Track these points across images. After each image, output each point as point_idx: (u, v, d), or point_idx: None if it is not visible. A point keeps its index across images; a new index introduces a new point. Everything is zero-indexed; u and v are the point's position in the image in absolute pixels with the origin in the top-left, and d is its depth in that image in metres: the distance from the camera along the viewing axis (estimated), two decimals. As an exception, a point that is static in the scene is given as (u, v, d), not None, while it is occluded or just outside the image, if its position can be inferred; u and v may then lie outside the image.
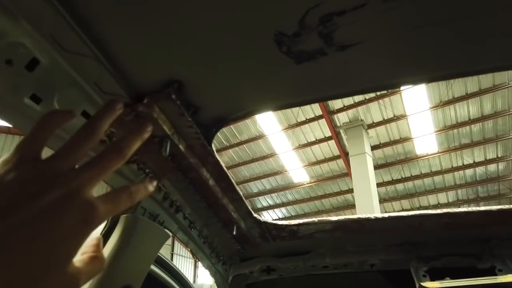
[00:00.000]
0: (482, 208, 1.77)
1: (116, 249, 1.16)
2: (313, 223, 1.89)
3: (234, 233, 1.76)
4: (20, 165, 0.50)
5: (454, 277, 1.90)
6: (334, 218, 1.88)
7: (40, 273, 0.44)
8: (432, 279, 1.92)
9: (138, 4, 0.77)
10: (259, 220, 1.82)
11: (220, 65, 0.96)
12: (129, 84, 0.95)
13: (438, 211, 1.80)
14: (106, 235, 1.24)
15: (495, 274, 1.84)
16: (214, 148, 1.28)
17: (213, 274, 2.02)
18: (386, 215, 1.84)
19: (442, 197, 18.94)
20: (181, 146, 1.18)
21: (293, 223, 1.91)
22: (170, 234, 1.50)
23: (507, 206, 1.74)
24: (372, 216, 1.84)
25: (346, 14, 0.80)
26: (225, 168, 1.41)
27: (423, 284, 1.88)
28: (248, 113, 1.14)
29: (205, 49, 0.90)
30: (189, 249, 1.73)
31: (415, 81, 1.04)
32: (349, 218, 1.87)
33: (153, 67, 0.94)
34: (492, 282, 1.80)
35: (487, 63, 0.96)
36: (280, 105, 1.13)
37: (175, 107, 1.04)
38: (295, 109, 15.50)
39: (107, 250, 1.17)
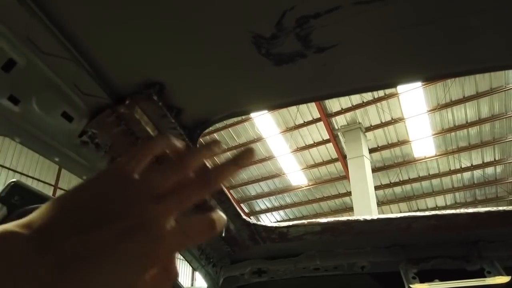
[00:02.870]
0: (470, 210, 1.77)
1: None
2: (303, 225, 1.90)
3: (223, 235, 1.77)
4: (113, 181, 0.47)
5: (443, 279, 1.91)
6: (323, 220, 1.88)
7: None
8: (422, 281, 1.92)
9: (116, 6, 0.78)
10: (248, 222, 1.82)
11: (200, 67, 0.97)
12: (109, 85, 0.96)
13: (426, 213, 1.81)
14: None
15: (484, 276, 1.85)
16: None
17: (203, 276, 2.02)
18: (375, 217, 1.84)
19: (440, 200, 18.94)
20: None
21: (282, 225, 1.91)
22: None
23: (494, 208, 1.75)
24: (361, 218, 1.85)
25: (321, 16, 0.81)
26: (211, 170, 1.41)
27: (412, 286, 1.88)
28: (232, 114, 1.15)
29: (184, 51, 0.91)
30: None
31: (394, 83, 1.05)
32: (338, 220, 1.87)
33: (133, 69, 0.95)
34: (480, 284, 1.80)
35: (462, 65, 0.97)
36: (263, 106, 1.14)
37: (157, 108, 1.05)
38: (293, 112, 15.52)
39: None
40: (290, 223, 1.91)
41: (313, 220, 1.90)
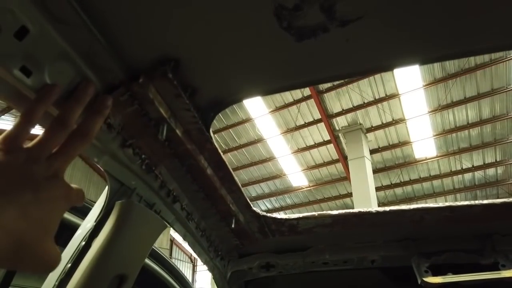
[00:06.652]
0: (485, 201, 1.74)
1: (110, 236, 1.12)
2: (313, 217, 1.86)
3: (233, 226, 1.72)
4: (8, 154, 0.60)
5: (456, 273, 1.87)
6: (334, 212, 1.84)
7: (36, 236, 0.57)
8: (434, 275, 1.88)
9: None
10: (258, 213, 1.78)
11: (218, 42, 0.93)
12: (124, 60, 0.92)
13: (440, 204, 1.77)
14: (100, 222, 1.20)
15: (498, 269, 1.80)
16: (212, 134, 1.25)
17: (211, 270, 1.98)
18: (387, 208, 1.80)
19: (441, 201, 18.85)
20: (178, 131, 1.15)
21: (292, 217, 1.87)
22: (167, 225, 1.46)
23: (510, 199, 1.71)
24: (372, 209, 1.81)
25: None
26: (223, 157, 1.37)
27: (425, 279, 1.84)
28: (247, 95, 1.11)
29: (202, 24, 0.88)
30: (187, 243, 1.69)
31: (416, 61, 1.01)
32: (349, 212, 1.83)
33: (149, 43, 0.91)
34: (495, 277, 1.76)
35: (488, 41, 0.93)
36: (280, 86, 1.10)
37: (171, 87, 1.01)
38: (294, 113, 15.50)
39: (101, 237, 1.13)
40: (300, 215, 1.87)
41: (324, 212, 1.86)
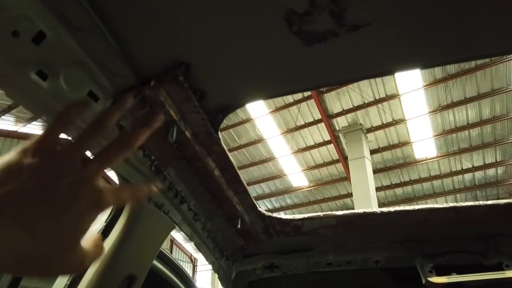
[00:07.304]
0: (489, 202, 1.75)
1: (121, 236, 1.13)
2: (318, 217, 1.87)
3: (239, 227, 1.74)
4: (40, 154, 0.57)
5: (460, 273, 1.88)
6: (339, 212, 1.85)
7: (57, 243, 0.53)
8: (438, 275, 1.90)
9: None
10: (263, 214, 1.79)
11: (229, 46, 0.95)
12: (136, 65, 0.93)
13: (445, 205, 1.78)
14: (111, 223, 1.21)
15: (502, 270, 1.82)
16: (220, 137, 1.26)
17: (216, 270, 1.99)
18: (392, 209, 1.82)
19: (441, 202, 18.91)
20: (187, 133, 1.16)
21: (297, 218, 1.88)
22: (175, 225, 1.47)
23: (514, 200, 1.72)
24: (377, 210, 1.82)
25: None
26: (231, 158, 1.39)
27: (430, 279, 1.85)
28: (256, 98, 1.13)
29: (213, 28, 0.89)
30: (192, 245, 1.71)
31: (424, 65, 1.03)
32: (354, 213, 1.84)
33: (160, 48, 0.93)
34: (500, 277, 1.78)
35: (496, 46, 0.95)
36: (288, 90, 1.12)
37: (182, 91, 1.02)
38: (294, 113, 15.50)
39: (112, 238, 1.14)
40: (305, 215, 1.89)
41: (329, 212, 1.88)
